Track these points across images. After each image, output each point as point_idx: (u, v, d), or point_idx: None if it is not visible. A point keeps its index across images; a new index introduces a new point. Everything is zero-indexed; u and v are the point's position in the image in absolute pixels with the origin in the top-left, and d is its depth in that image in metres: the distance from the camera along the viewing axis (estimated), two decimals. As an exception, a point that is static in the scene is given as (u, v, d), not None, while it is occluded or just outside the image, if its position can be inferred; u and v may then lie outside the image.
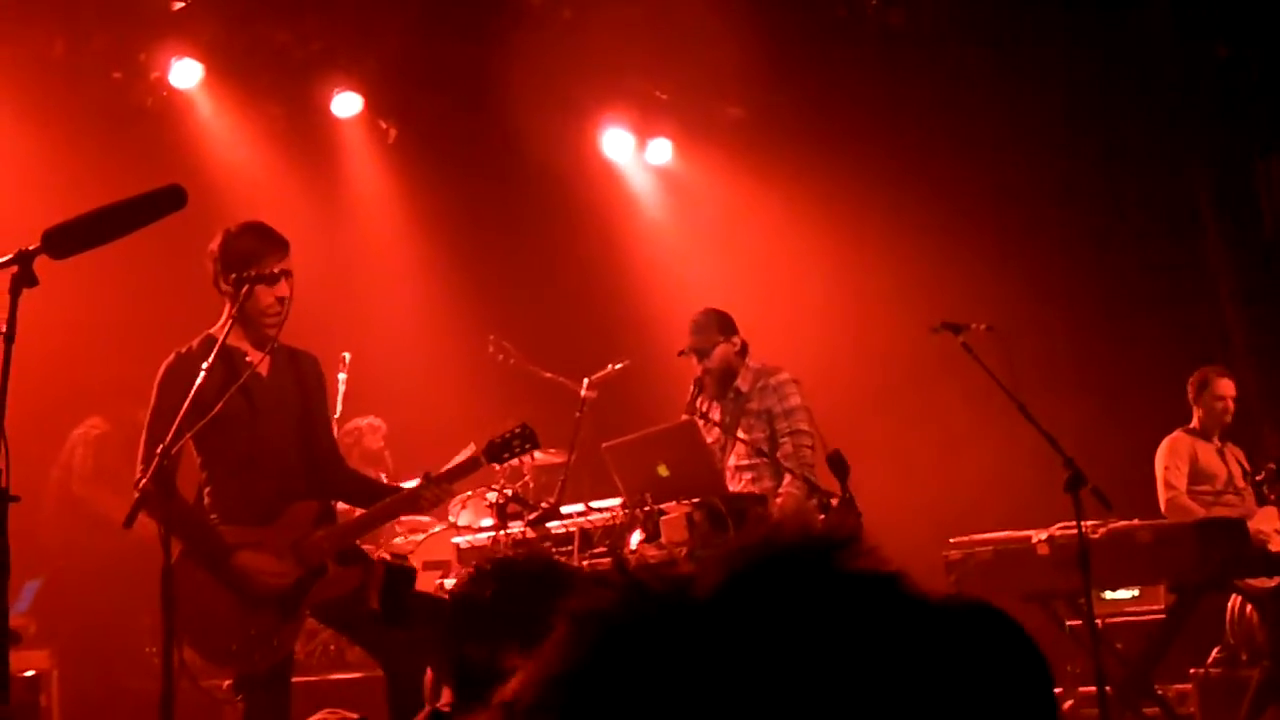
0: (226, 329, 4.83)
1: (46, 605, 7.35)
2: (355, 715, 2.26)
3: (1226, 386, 7.67)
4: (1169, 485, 7.52)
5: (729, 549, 0.87)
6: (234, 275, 4.88)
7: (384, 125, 9.29)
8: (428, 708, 2.27)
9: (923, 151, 9.37)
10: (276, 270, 4.89)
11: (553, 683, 0.84)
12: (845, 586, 0.84)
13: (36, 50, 8.05)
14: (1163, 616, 7.14)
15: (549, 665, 0.85)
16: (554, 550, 5.69)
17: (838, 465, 5.65)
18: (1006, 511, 7.64)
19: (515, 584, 2.28)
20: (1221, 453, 7.69)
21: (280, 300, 4.91)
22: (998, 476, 8.36)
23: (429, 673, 2.38)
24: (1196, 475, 7.56)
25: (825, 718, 0.80)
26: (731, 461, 6.46)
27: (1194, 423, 7.73)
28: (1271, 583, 6.85)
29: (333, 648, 7.39)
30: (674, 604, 0.84)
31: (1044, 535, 7.02)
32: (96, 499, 7.82)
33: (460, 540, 6.31)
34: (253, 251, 4.90)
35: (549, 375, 8.08)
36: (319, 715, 2.29)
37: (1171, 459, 7.58)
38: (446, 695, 2.43)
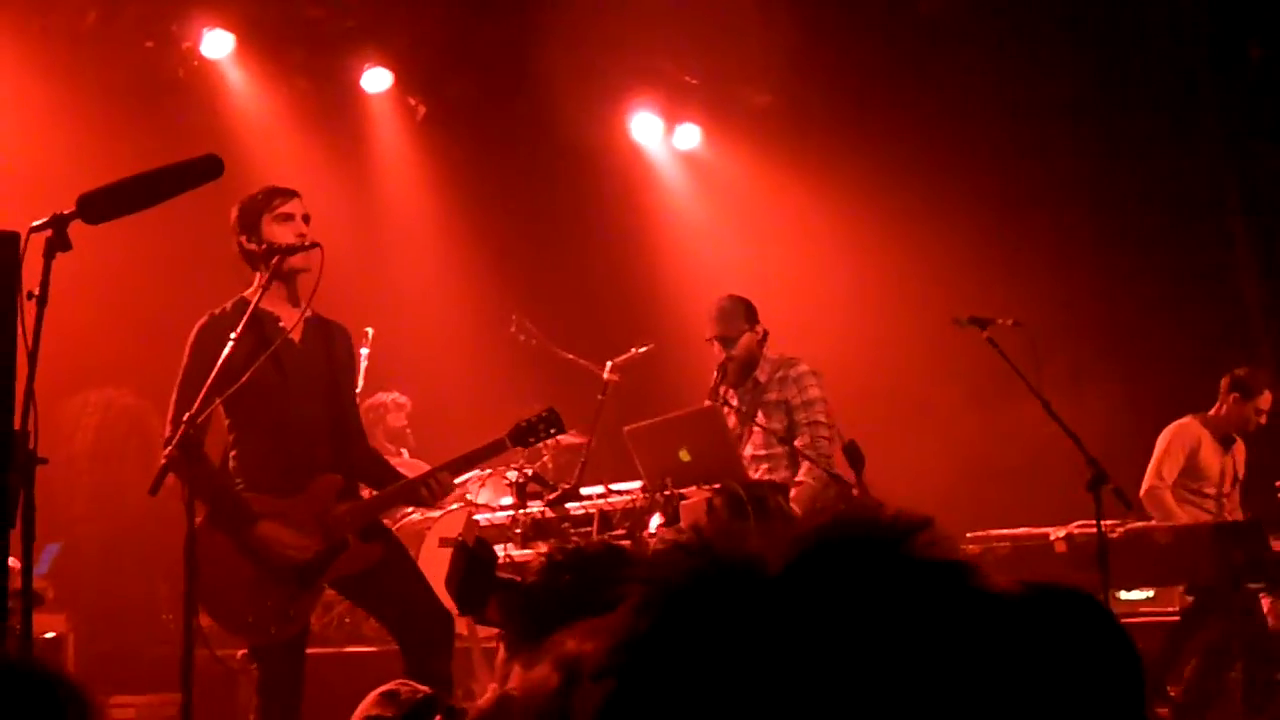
0: (259, 294, 4.84)
1: (65, 569, 7.40)
2: (426, 689, 2.25)
3: (1268, 400, 7.47)
4: (1157, 474, 7.41)
5: (801, 529, 0.87)
6: (252, 236, 4.91)
7: (413, 102, 9.29)
8: (497, 688, 2.27)
9: (952, 145, 9.34)
10: (286, 209, 4.91)
11: (620, 647, 0.85)
12: (916, 571, 0.84)
13: (69, 19, 8.07)
14: (1177, 619, 7.13)
15: (618, 630, 0.86)
16: (572, 531, 5.70)
17: (853, 456, 5.66)
18: (1025, 507, 7.63)
19: (589, 572, 2.27)
20: (1224, 452, 7.58)
21: (301, 237, 4.91)
22: (1018, 472, 8.35)
23: (500, 653, 2.38)
24: (1190, 469, 7.48)
25: (888, 699, 0.80)
26: (748, 451, 6.45)
27: (1213, 411, 7.55)
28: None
29: (349, 620, 7.42)
30: (745, 576, 0.84)
31: (1062, 533, 7.02)
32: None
33: (479, 518, 6.32)
34: (259, 202, 4.94)
35: (570, 357, 8.08)
36: (391, 685, 2.29)
37: (1175, 445, 7.48)
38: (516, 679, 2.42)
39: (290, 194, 4.99)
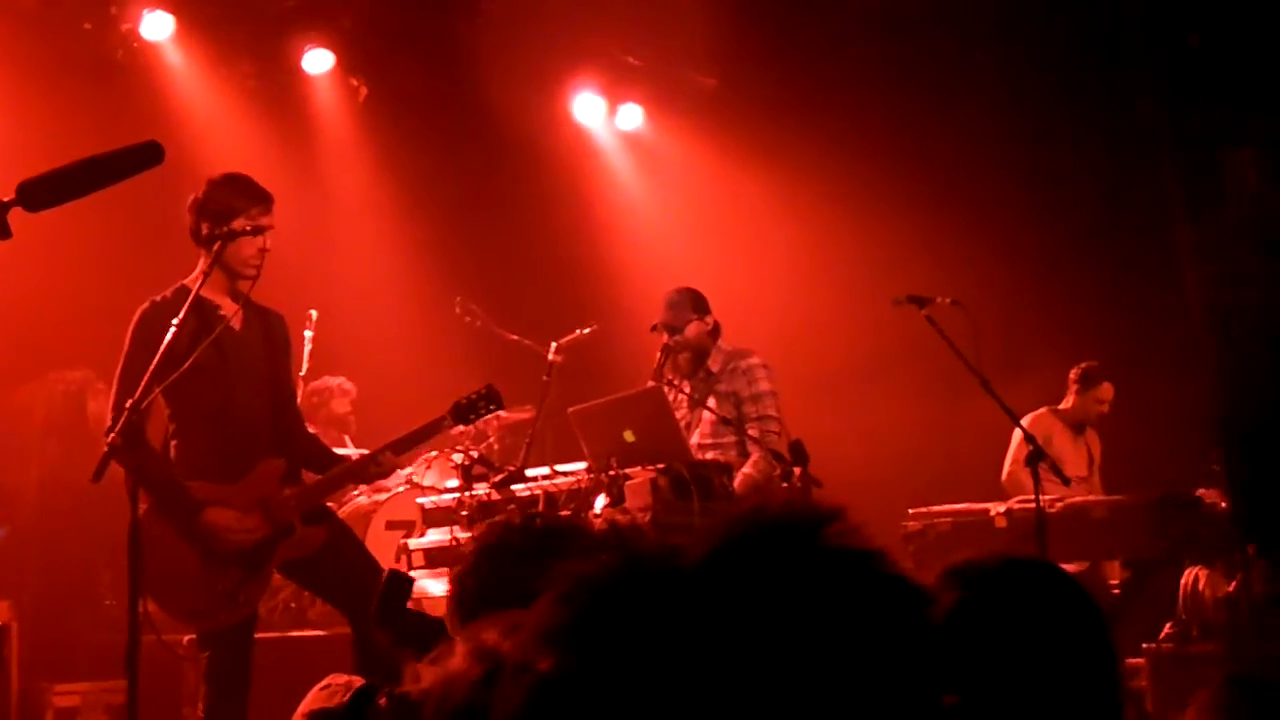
0: (201, 280, 4.80)
1: (8, 555, 7.33)
2: (361, 680, 2.27)
3: (1109, 391, 8.05)
4: (1014, 460, 7.70)
5: (718, 521, 0.90)
6: (216, 227, 4.85)
7: (354, 83, 9.23)
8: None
9: (892, 126, 9.40)
10: (263, 222, 4.87)
11: (542, 642, 0.87)
12: (828, 561, 0.87)
13: (6, 0, 7.95)
14: (1116, 592, 7.25)
15: (540, 625, 0.88)
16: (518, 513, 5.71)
17: (797, 453, 5.72)
18: (966, 483, 7.73)
19: (549, 540, 2.29)
20: (1077, 440, 8.03)
21: (261, 252, 4.89)
22: (958, 448, 8.45)
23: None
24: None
25: (802, 685, 0.83)
26: (695, 440, 6.49)
27: (1063, 405, 8.09)
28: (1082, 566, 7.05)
29: (293, 605, 7.40)
30: (664, 570, 0.87)
31: (1002, 508, 7.12)
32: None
33: (425, 500, 6.33)
34: (237, 203, 4.87)
35: (515, 338, 8.09)
36: (327, 679, 2.30)
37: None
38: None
39: (269, 204, 4.91)
